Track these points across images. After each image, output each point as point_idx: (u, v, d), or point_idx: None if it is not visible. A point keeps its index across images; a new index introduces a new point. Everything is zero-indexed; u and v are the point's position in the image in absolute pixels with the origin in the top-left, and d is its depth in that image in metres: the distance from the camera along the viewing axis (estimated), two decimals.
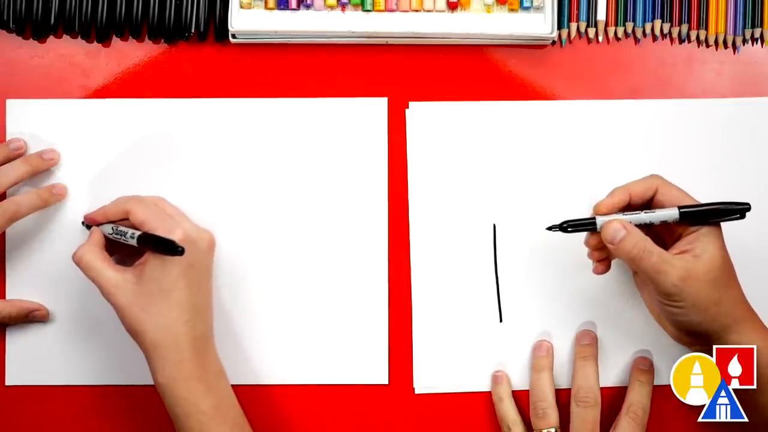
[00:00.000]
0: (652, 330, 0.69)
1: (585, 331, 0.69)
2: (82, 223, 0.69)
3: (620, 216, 0.63)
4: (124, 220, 0.66)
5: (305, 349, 0.70)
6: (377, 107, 0.71)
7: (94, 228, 0.67)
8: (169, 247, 0.61)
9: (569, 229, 0.64)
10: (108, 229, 0.66)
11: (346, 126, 0.71)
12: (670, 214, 0.62)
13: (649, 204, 0.64)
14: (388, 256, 0.70)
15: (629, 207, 0.63)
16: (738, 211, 0.62)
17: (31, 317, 0.69)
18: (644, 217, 0.62)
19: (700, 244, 0.61)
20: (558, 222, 0.64)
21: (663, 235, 0.64)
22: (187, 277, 0.63)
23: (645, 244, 0.61)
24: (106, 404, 0.70)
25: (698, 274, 0.60)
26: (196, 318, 0.64)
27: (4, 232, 0.69)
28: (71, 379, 0.70)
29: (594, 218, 0.63)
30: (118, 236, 0.65)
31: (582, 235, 0.65)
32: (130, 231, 0.64)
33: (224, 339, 0.69)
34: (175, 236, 0.62)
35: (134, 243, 0.63)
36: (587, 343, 0.69)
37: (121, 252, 0.67)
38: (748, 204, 0.62)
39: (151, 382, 0.69)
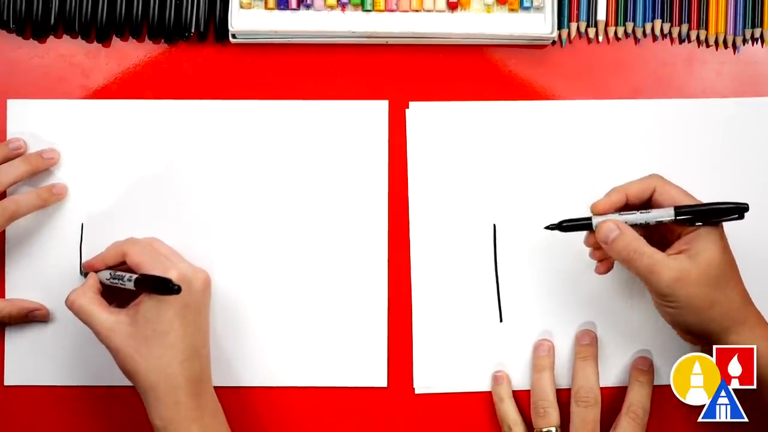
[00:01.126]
0: (652, 330, 0.69)
1: (585, 331, 0.69)
2: (81, 272, 0.69)
3: (615, 216, 0.63)
4: (122, 264, 0.66)
5: (305, 351, 0.70)
6: (378, 110, 0.71)
7: (90, 274, 0.67)
8: (165, 287, 0.61)
9: (566, 229, 0.64)
10: (105, 275, 0.66)
11: (347, 129, 0.71)
12: (666, 213, 0.61)
13: (648, 204, 0.64)
14: (388, 257, 0.70)
15: (628, 207, 0.63)
16: (736, 210, 0.61)
17: (31, 317, 0.69)
18: (639, 217, 0.62)
19: (697, 244, 0.61)
20: (556, 221, 0.65)
21: (665, 233, 0.64)
22: (183, 317, 0.63)
23: (637, 244, 0.61)
24: (106, 405, 0.70)
25: (692, 276, 0.60)
26: (192, 358, 0.63)
27: (3, 232, 0.69)
28: (70, 379, 0.70)
29: (590, 218, 0.63)
30: (116, 281, 0.65)
31: (582, 235, 0.65)
32: (128, 275, 0.64)
33: (224, 341, 0.69)
34: (171, 276, 0.62)
35: (132, 286, 0.63)
36: (587, 343, 0.69)
37: (120, 298, 0.66)
38: (746, 204, 0.61)
39: None
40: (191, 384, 0.63)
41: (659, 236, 0.63)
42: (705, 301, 0.60)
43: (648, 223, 0.62)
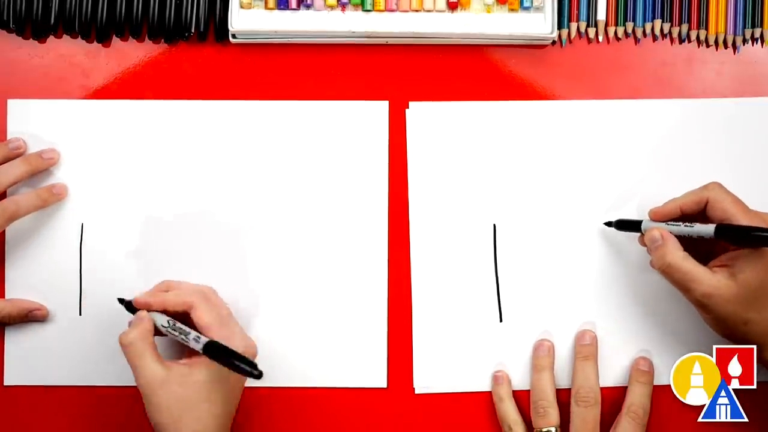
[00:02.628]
0: (652, 330, 0.69)
1: (585, 331, 0.69)
2: (120, 300, 0.66)
3: (663, 225, 0.64)
4: (180, 314, 0.64)
5: (305, 351, 0.70)
6: (378, 110, 0.71)
7: (143, 314, 0.63)
8: (247, 369, 0.57)
9: (621, 227, 0.67)
10: (162, 321, 0.63)
11: (347, 129, 0.71)
12: (706, 230, 0.61)
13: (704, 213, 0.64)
14: (388, 257, 0.70)
15: (685, 215, 0.64)
16: None
17: (31, 317, 0.69)
18: (683, 229, 0.63)
19: (739, 261, 0.61)
20: (615, 220, 0.68)
21: (718, 242, 0.63)
22: (234, 388, 0.63)
23: (672, 257, 0.61)
24: (106, 405, 0.70)
25: (726, 294, 0.60)
26: (228, 423, 0.63)
27: (3, 232, 0.69)
28: (70, 379, 0.70)
29: (641, 221, 0.65)
30: (176, 333, 0.62)
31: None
32: (194, 333, 0.61)
33: None
34: (236, 348, 0.60)
35: (198, 348, 0.61)
36: (587, 343, 0.69)
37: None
38: None
39: None
40: None
41: (712, 244, 0.63)
42: (739, 318, 0.61)
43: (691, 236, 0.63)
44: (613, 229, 0.69)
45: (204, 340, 0.61)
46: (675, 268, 0.61)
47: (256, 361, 0.61)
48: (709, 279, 0.60)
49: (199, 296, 0.64)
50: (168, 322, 0.63)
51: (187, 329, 0.62)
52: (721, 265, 0.62)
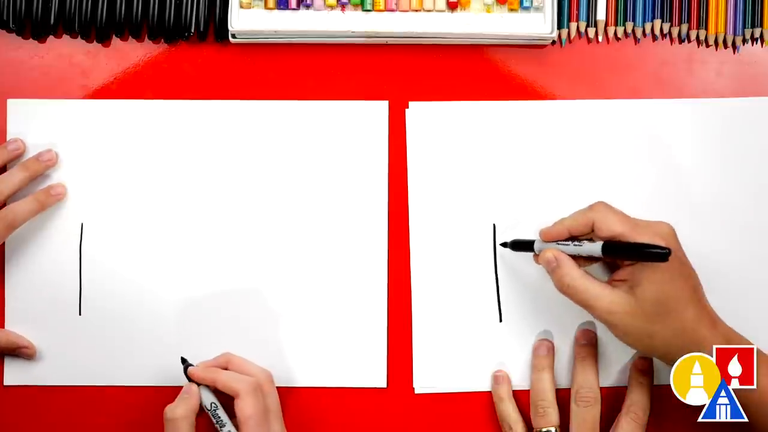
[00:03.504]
0: None
1: (584, 331, 0.69)
2: (183, 360, 0.67)
3: (554, 245, 0.64)
4: (225, 394, 0.64)
5: (305, 351, 0.70)
6: (378, 110, 0.71)
7: (193, 388, 0.65)
8: None
9: (515, 248, 0.68)
10: (207, 402, 0.64)
11: (347, 129, 0.71)
12: (595, 249, 0.62)
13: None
14: (388, 257, 0.70)
15: (574, 236, 0.64)
16: (658, 256, 0.59)
17: (18, 353, 0.69)
18: (573, 249, 0.63)
19: (635, 276, 0.61)
20: (511, 238, 0.69)
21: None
22: None
23: (570, 278, 0.62)
24: (105, 405, 0.70)
25: (626, 308, 0.61)
26: None
27: None
28: (70, 379, 0.70)
29: (534, 241, 0.66)
30: (214, 419, 0.64)
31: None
32: (229, 427, 0.63)
33: (224, 341, 0.69)
34: None
35: None
36: (587, 343, 0.69)
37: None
38: (668, 250, 0.59)
39: (151, 383, 0.70)
40: None
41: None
42: (644, 332, 0.61)
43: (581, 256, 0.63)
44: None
45: None
46: (573, 289, 0.62)
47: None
48: (609, 296, 0.61)
49: (248, 386, 0.64)
50: (211, 405, 0.64)
51: (225, 420, 0.64)
52: (620, 279, 0.62)
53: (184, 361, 0.67)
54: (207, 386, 0.65)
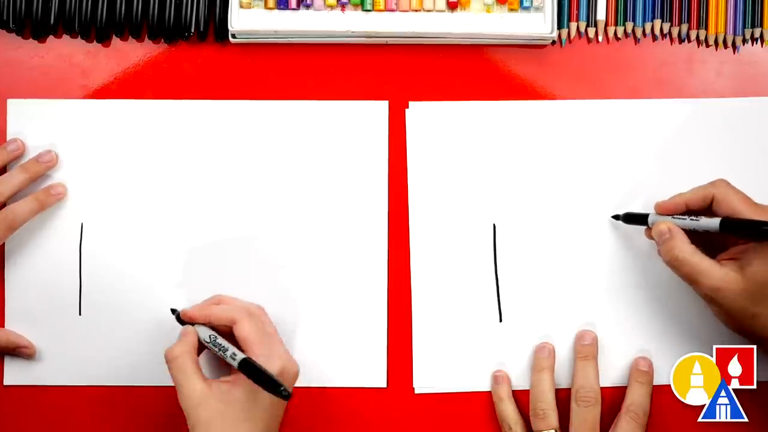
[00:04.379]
0: (652, 330, 0.69)
1: (585, 331, 0.69)
2: (172, 311, 0.67)
3: (669, 219, 0.64)
4: (224, 327, 0.64)
5: (305, 351, 0.70)
6: (378, 110, 0.71)
7: (189, 328, 0.65)
8: (274, 388, 0.59)
9: (628, 220, 0.68)
10: (205, 335, 0.64)
11: (347, 129, 0.71)
12: (712, 225, 0.61)
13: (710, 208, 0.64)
14: (388, 257, 0.70)
15: (691, 210, 0.64)
16: None
17: (18, 352, 0.69)
18: (689, 223, 0.63)
19: (747, 254, 0.61)
20: (622, 213, 0.69)
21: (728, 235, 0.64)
22: (274, 408, 0.63)
23: (680, 251, 0.62)
24: (105, 405, 0.70)
25: (734, 287, 0.60)
26: None
27: None
28: (70, 379, 0.70)
29: (648, 215, 0.66)
30: (215, 348, 0.63)
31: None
32: (231, 350, 0.62)
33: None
34: (274, 367, 0.61)
35: (234, 364, 0.61)
36: (587, 343, 0.69)
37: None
38: None
39: (151, 383, 0.70)
40: None
41: (723, 238, 0.63)
42: (746, 312, 0.60)
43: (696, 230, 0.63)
44: (613, 229, 0.69)
45: (240, 356, 0.61)
46: (683, 261, 0.61)
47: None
48: (717, 272, 0.61)
49: (243, 312, 0.64)
50: (210, 337, 0.64)
51: (227, 345, 0.63)
52: (730, 258, 0.62)
53: (174, 311, 0.67)
54: (202, 325, 0.65)
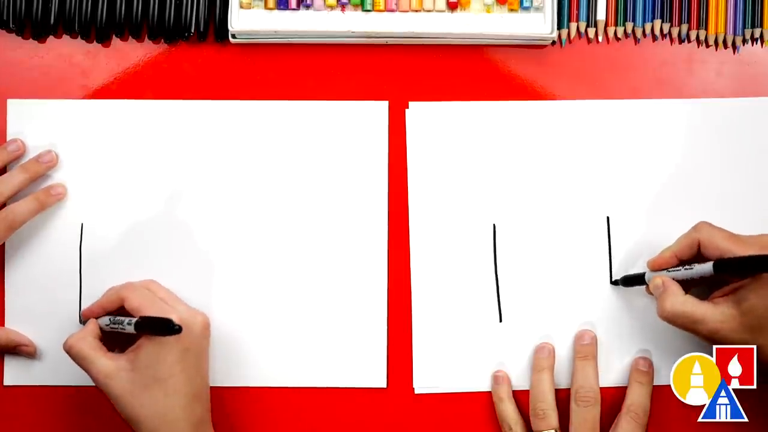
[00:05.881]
0: (652, 330, 0.69)
1: (584, 331, 0.69)
2: (80, 320, 0.69)
3: (664, 273, 0.65)
4: (120, 309, 0.66)
5: (304, 351, 0.70)
6: (378, 110, 0.71)
7: (90, 320, 0.66)
8: (166, 328, 0.60)
9: (628, 284, 0.68)
10: (105, 320, 0.66)
11: (347, 129, 0.71)
12: (706, 269, 0.62)
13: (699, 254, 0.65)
14: (388, 257, 0.70)
15: (683, 260, 0.65)
16: None
17: (18, 351, 0.69)
18: (684, 273, 0.64)
19: (741, 290, 0.61)
20: (620, 277, 0.69)
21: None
22: (184, 362, 0.63)
23: (671, 304, 0.62)
24: (105, 405, 0.70)
25: (732, 325, 0.61)
26: (193, 403, 0.63)
27: None
28: (70, 379, 0.70)
29: (644, 273, 0.67)
30: (116, 326, 0.64)
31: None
32: (127, 318, 0.64)
33: (222, 341, 0.69)
34: (171, 318, 0.62)
35: (132, 330, 0.63)
36: (587, 343, 0.69)
37: (120, 344, 0.66)
38: None
39: None
40: (193, 428, 0.63)
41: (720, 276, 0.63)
42: (748, 345, 0.61)
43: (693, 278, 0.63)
44: (609, 227, 0.69)
45: (134, 320, 0.63)
46: (676, 314, 0.62)
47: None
48: (713, 315, 0.61)
49: (127, 288, 0.66)
50: (109, 320, 0.65)
51: (122, 318, 0.64)
52: (724, 294, 0.62)
53: (81, 320, 0.69)
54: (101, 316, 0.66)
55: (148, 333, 0.62)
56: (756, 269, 0.60)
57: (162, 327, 0.61)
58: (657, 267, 0.66)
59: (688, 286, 0.64)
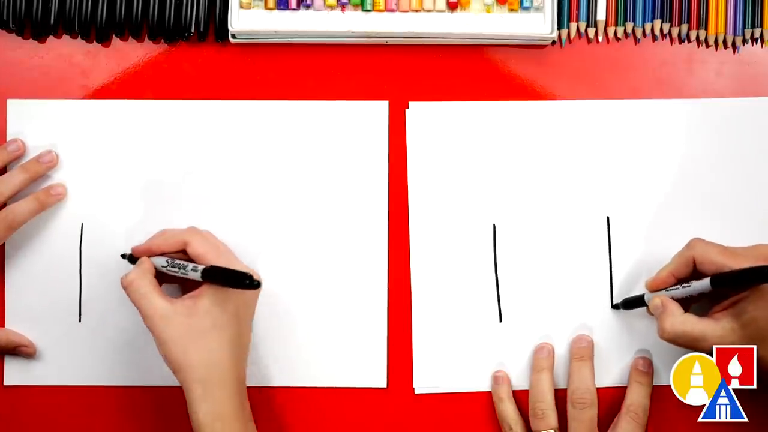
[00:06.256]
0: (652, 330, 0.69)
1: (581, 336, 0.69)
2: (123, 256, 0.68)
3: (663, 292, 0.65)
4: (178, 253, 0.65)
5: (304, 351, 0.70)
6: (378, 110, 0.71)
7: (143, 258, 0.65)
8: (243, 282, 0.59)
9: (628, 307, 0.68)
10: (161, 261, 0.64)
11: (347, 129, 0.71)
12: (704, 286, 0.62)
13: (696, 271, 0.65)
14: (388, 257, 0.70)
15: (680, 279, 0.65)
16: None
17: (18, 351, 0.69)
18: (682, 291, 0.64)
19: (740, 303, 0.61)
20: (621, 301, 0.69)
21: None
22: (240, 315, 0.63)
23: (671, 326, 0.62)
24: (105, 405, 0.70)
25: (732, 338, 0.61)
26: (241, 356, 0.64)
27: None
28: (70, 379, 0.70)
29: (643, 294, 0.67)
30: (175, 269, 0.63)
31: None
32: (191, 264, 0.63)
33: None
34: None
35: (197, 277, 0.62)
36: (583, 345, 0.69)
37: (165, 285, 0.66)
38: None
39: (151, 383, 0.70)
40: (239, 382, 0.63)
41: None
42: None
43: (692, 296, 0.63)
44: (609, 227, 0.69)
45: (201, 267, 0.62)
46: (677, 334, 0.62)
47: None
48: (713, 331, 0.61)
49: (192, 232, 0.65)
50: (167, 261, 0.64)
51: (185, 263, 0.63)
52: (724, 309, 0.62)
53: (123, 255, 0.68)
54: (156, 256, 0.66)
55: (217, 283, 0.61)
56: (753, 281, 0.60)
57: (237, 280, 0.59)
58: (655, 287, 0.66)
59: (688, 303, 0.64)
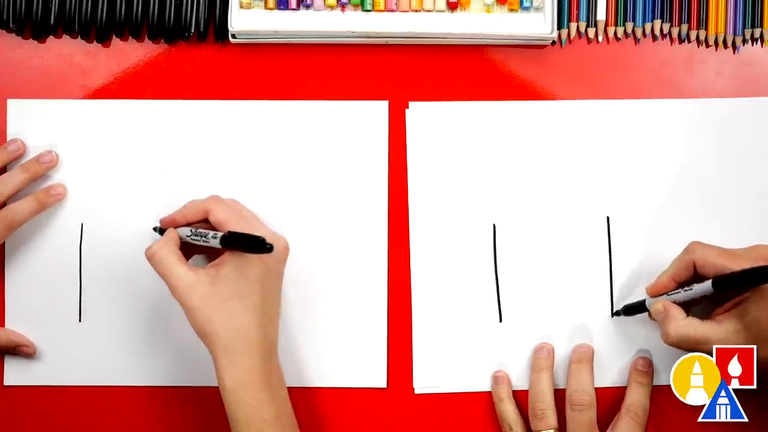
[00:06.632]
0: (652, 331, 0.69)
1: (581, 344, 0.69)
2: (154, 229, 0.68)
3: (664, 297, 0.65)
4: (202, 222, 0.65)
5: (304, 351, 0.70)
6: (378, 110, 0.71)
7: (169, 229, 0.65)
8: (258, 245, 0.59)
9: (629, 313, 0.68)
10: (185, 231, 0.65)
11: (347, 129, 0.71)
12: (705, 288, 0.62)
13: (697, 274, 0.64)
14: (388, 257, 0.70)
15: (680, 283, 0.65)
16: None
17: (18, 351, 0.69)
18: (684, 295, 0.64)
19: (743, 304, 0.61)
20: (621, 308, 0.69)
21: None
22: (264, 281, 0.63)
23: (674, 330, 0.62)
24: (105, 405, 0.70)
25: (736, 340, 0.61)
26: (268, 323, 0.63)
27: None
28: (70, 379, 0.70)
29: (645, 300, 0.67)
30: (198, 238, 0.64)
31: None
32: (212, 232, 0.63)
33: None
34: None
35: (216, 244, 0.62)
36: (582, 348, 0.69)
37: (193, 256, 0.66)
38: None
39: (151, 383, 0.70)
40: (266, 349, 0.63)
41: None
42: (758, 359, 0.61)
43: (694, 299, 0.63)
44: (608, 229, 0.69)
45: (220, 234, 0.62)
46: (680, 338, 0.62)
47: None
48: (716, 333, 0.61)
49: (213, 201, 0.65)
50: (191, 231, 0.64)
51: (206, 231, 0.63)
52: (726, 311, 0.62)
53: (155, 228, 0.68)
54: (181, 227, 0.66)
55: (235, 249, 0.61)
56: (754, 282, 0.60)
57: (252, 244, 0.60)
58: (656, 292, 0.66)
59: (690, 306, 0.64)
